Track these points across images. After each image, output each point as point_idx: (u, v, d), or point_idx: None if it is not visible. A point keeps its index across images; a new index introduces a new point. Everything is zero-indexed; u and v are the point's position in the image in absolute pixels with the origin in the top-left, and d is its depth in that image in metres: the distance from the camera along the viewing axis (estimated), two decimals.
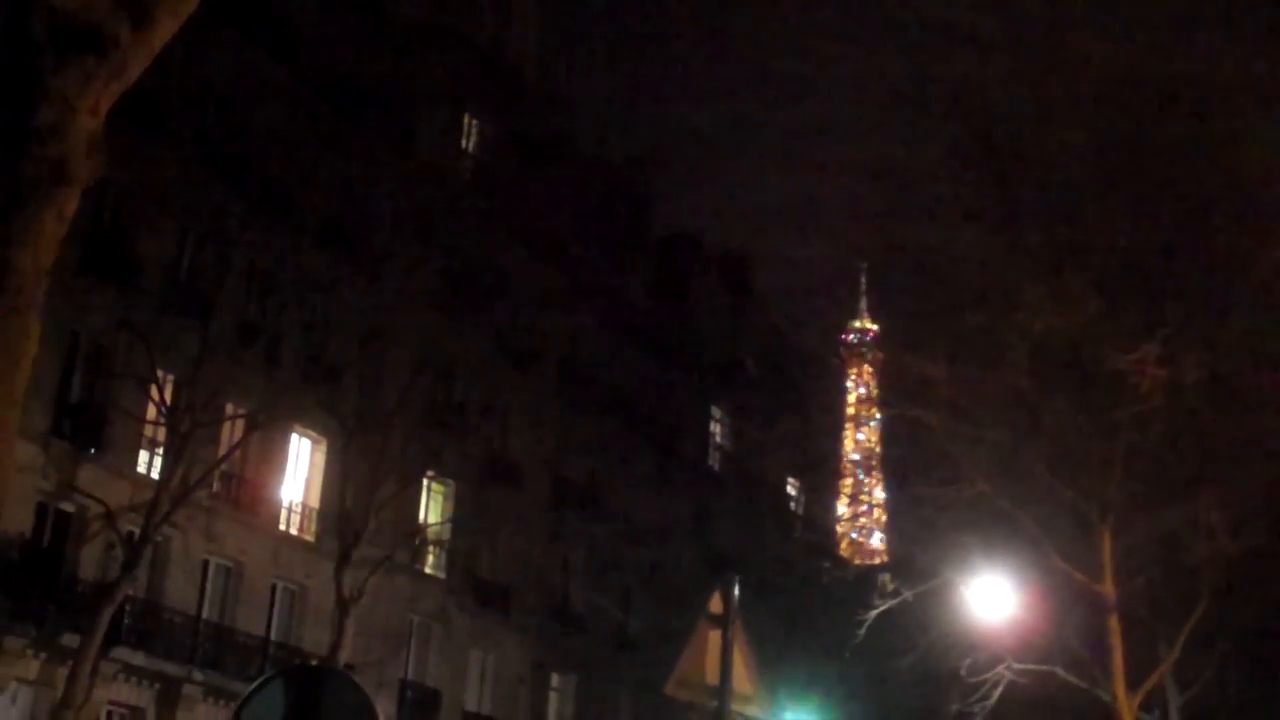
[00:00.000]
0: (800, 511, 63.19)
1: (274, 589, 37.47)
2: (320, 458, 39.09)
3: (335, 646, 34.31)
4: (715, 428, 58.68)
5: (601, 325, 50.91)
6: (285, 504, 38.18)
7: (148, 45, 6.11)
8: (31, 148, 5.76)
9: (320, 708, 7.21)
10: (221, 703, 33.40)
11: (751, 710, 10.90)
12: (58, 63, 5.85)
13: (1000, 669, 27.72)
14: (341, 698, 7.33)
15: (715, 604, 10.76)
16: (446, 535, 43.25)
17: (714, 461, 58.10)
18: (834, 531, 73.17)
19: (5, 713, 30.63)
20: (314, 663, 31.72)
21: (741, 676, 10.70)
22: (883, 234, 29.51)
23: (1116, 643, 26.22)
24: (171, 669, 33.46)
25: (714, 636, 10.68)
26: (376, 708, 7.39)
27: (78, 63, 5.88)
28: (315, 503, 38.76)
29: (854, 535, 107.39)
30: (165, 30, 6.19)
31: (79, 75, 5.88)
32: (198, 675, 33.96)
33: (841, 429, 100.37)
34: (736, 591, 10.76)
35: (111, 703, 32.50)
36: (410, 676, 41.35)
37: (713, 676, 10.61)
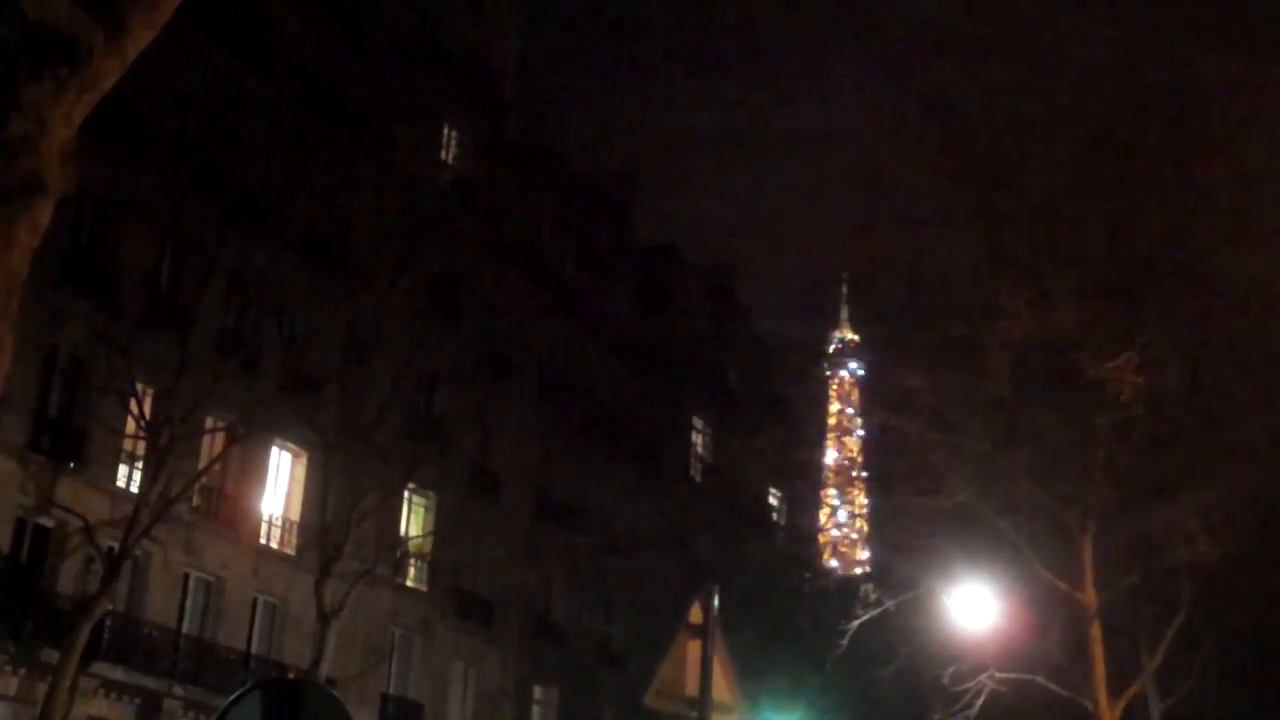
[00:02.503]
0: (782, 522, 63.21)
1: (255, 603, 37.33)
2: (301, 470, 38.98)
3: (316, 660, 34.18)
4: (697, 438, 58.68)
5: (583, 336, 50.90)
6: (266, 517, 38.06)
7: (122, 55, 6.08)
8: (4, 159, 5.72)
9: None
10: (202, 717, 33.27)
11: None
12: (30, 73, 5.82)
13: (983, 678, 27.71)
14: (320, 711, 7.29)
15: (695, 614, 10.73)
16: (428, 548, 43.15)
17: (696, 472, 58.09)
18: (816, 541, 73.16)
19: None
20: (292, 675, 31.57)
21: (721, 687, 10.66)
22: (864, 244, 29.55)
23: (1098, 650, 26.24)
24: (152, 684, 33.32)
25: (693, 647, 10.64)
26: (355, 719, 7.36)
27: (51, 73, 5.85)
28: (296, 516, 38.64)
29: (836, 545, 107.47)
30: (139, 40, 6.16)
31: (52, 86, 5.85)
32: (178, 690, 33.82)
33: (823, 439, 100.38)
34: (716, 601, 10.73)
35: (91, 718, 32.32)
36: (392, 690, 41.23)
37: (692, 687, 10.57)
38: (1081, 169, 26.71)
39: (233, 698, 7.38)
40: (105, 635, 32.21)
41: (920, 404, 27.01)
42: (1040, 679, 27.75)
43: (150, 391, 32.93)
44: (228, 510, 36.57)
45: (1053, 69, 26.38)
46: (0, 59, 5.79)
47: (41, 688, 29.92)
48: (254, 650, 36.83)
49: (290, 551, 38.31)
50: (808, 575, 56.61)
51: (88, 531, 31.40)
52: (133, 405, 32.21)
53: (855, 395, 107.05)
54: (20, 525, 31.84)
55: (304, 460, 38.89)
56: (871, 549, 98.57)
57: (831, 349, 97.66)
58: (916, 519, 29.01)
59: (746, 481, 56.94)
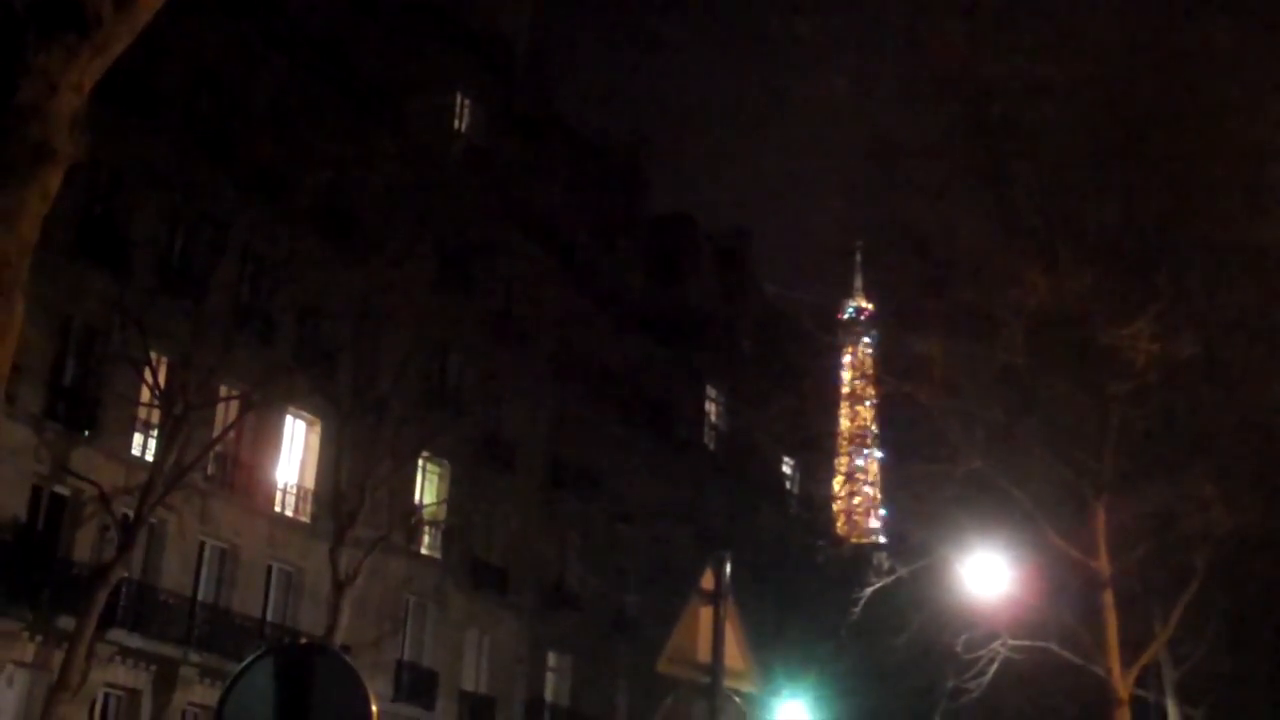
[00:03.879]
0: (795, 490, 63.24)
1: (270, 570, 37.49)
2: (315, 439, 39.08)
3: (331, 627, 34.35)
4: (710, 407, 58.70)
5: (596, 305, 50.89)
6: (280, 485, 38.17)
7: (131, 22, 6.07)
8: (14, 125, 5.73)
9: (310, 685, 7.21)
10: (218, 684, 33.37)
11: (744, 686, 10.90)
12: (40, 40, 5.82)
13: (996, 645, 27.73)
14: (332, 675, 7.32)
15: (707, 580, 10.75)
16: (442, 516, 43.28)
17: (709, 441, 58.13)
18: (829, 510, 73.18)
19: (2, 696, 30.66)
20: (303, 640, 31.71)
21: (733, 653, 10.69)
22: (878, 211, 29.47)
23: (1111, 618, 26.24)
24: (168, 651, 33.49)
25: (705, 613, 10.67)
26: (367, 685, 7.39)
27: (60, 40, 5.84)
28: (310, 484, 38.75)
29: (849, 513, 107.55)
30: (148, 7, 6.15)
31: (61, 52, 5.85)
32: (194, 657, 33.99)
33: (837, 407, 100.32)
34: (728, 568, 10.75)
35: (108, 685, 32.54)
36: (407, 657, 41.41)
37: (704, 653, 10.60)
38: (1095, 137, 26.57)
39: (244, 663, 7.42)
40: (121, 602, 32.37)
41: (934, 372, 26.96)
42: (1053, 647, 27.76)
43: (165, 360, 33.01)
44: (242, 478, 36.69)
45: (1066, 37, 26.21)
46: (9, 26, 5.80)
47: (58, 655, 30.12)
48: (269, 618, 37.01)
49: (305, 519, 38.44)
50: (821, 543, 56.55)
51: (103, 499, 31.53)
52: (147, 374, 32.31)
53: (869, 364, 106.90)
54: (36, 493, 31.98)
55: (318, 428, 38.99)
56: (884, 517, 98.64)
57: (845, 317, 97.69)
58: (929, 487, 28.97)
59: (760, 450, 56.87)
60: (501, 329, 45.28)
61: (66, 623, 30.33)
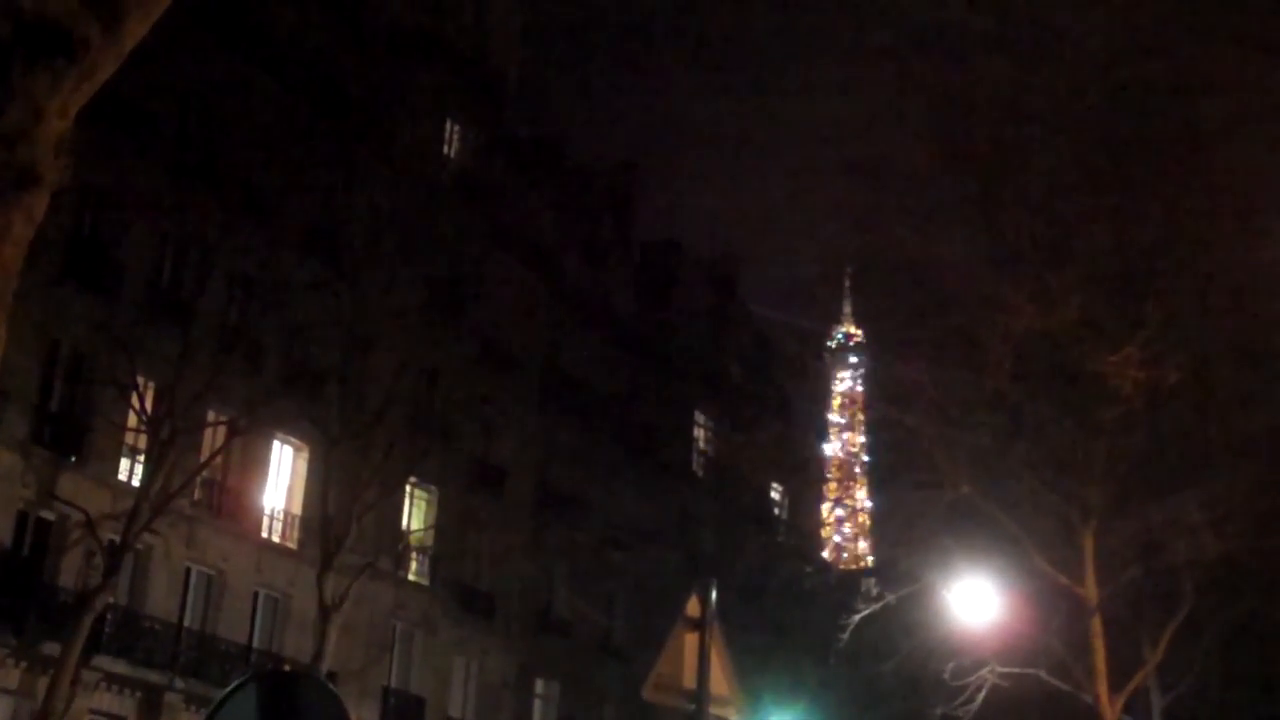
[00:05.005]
0: (784, 516, 63.20)
1: (256, 596, 37.35)
2: (302, 464, 38.99)
3: (318, 654, 34.21)
4: (699, 433, 58.68)
5: (585, 331, 50.91)
6: (267, 511, 38.06)
7: (118, 46, 6.05)
8: None
9: (295, 712, 7.17)
10: (203, 711, 33.21)
11: (730, 713, 10.86)
12: (25, 64, 5.79)
13: (984, 672, 27.69)
14: (315, 702, 7.28)
15: (692, 607, 10.72)
16: (430, 542, 43.17)
17: (697, 467, 58.09)
18: (817, 536, 73.17)
19: None
20: (287, 667, 31.58)
21: (719, 679, 10.65)
22: (866, 237, 29.49)
23: (1099, 645, 26.24)
24: (153, 677, 33.36)
25: (691, 639, 10.63)
26: (353, 712, 7.35)
27: (46, 64, 5.82)
28: (298, 510, 38.64)
29: (837, 539, 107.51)
30: (136, 31, 6.13)
31: (47, 77, 5.82)
32: (179, 683, 33.86)
33: (825, 433, 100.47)
34: (714, 594, 10.72)
35: (93, 711, 32.36)
36: (394, 684, 41.26)
37: (690, 680, 10.56)
38: (1083, 161, 26.65)
39: (228, 690, 7.38)
40: (107, 629, 32.26)
41: (922, 398, 26.99)
42: (1042, 674, 27.73)
43: (152, 385, 32.94)
44: (229, 504, 36.59)
45: (1054, 63, 26.30)
46: None
47: (43, 681, 29.97)
48: (255, 644, 36.86)
49: (292, 545, 38.32)
50: (809, 569, 56.61)
51: (89, 525, 31.41)
52: (134, 399, 32.23)
53: (857, 389, 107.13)
54: (22, 518, 31.87)
55: (306, 454, 38.91)
56: (873, 543, 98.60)
57: (834, 343, 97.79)
58: (918, 513, 28.97)
59: (748, 476, 56.95)
60: (490, 354, 45.24)
61: (51, 649, 30.19)
